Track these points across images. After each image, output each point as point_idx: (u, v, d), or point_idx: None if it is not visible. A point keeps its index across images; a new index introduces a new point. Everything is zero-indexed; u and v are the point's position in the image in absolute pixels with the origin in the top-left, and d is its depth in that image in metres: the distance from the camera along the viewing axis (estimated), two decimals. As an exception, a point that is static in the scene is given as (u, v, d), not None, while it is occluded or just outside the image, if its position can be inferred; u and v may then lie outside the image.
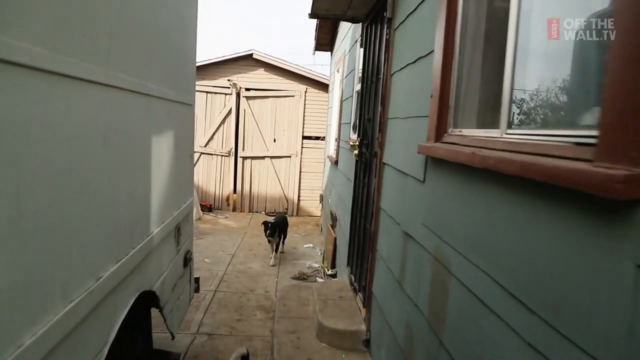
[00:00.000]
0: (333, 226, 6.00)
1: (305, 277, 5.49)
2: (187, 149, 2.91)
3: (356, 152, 3.95)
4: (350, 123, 4.89)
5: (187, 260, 2.89)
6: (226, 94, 9.19)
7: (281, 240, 6.21)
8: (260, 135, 9.31)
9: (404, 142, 2.46)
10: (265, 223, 5.98)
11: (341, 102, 5.90)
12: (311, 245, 7.07)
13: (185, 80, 2.74)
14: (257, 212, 9.56)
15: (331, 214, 6.23)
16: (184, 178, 2.85)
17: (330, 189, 6.72)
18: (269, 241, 6.05)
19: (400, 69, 2.61)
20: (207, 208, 9.22)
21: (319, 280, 5.25)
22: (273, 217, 6.63)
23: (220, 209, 9.54)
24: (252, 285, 5.11)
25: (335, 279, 4.95)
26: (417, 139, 2.17)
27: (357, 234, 3.87)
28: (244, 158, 9.37)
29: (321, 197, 8.31)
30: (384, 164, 2.90)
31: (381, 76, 3.05)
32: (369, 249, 3.13)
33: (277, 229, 5.94)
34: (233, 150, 9.34)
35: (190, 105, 2.93)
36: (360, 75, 4.10)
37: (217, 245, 6.73)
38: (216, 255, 6.16)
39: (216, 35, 58.78)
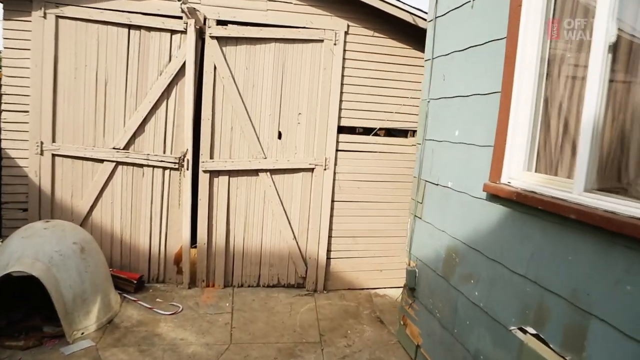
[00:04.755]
0: None
1: None
2: None
3: None
4: None
5: None
6: (174, 32, 4.18)
7: None
8: (249, 124, 4.37)
9: None
10: None
11: None
12: None
13: None
14: (241, 285, 4.59)
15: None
16: None
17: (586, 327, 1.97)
18: None
19: None
20: (133, 285, 4.16)
21: None
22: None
23: (164, 282, 4.49)
24: None
25: None
26: None
27: None
28: (214, 173, 4.39)
29: (413, 276, 3.52)
30: None
31: None
32: None
33: None
34: (190, 156, 4.34)
35: None
36: None
37: None
38: None
39: None
